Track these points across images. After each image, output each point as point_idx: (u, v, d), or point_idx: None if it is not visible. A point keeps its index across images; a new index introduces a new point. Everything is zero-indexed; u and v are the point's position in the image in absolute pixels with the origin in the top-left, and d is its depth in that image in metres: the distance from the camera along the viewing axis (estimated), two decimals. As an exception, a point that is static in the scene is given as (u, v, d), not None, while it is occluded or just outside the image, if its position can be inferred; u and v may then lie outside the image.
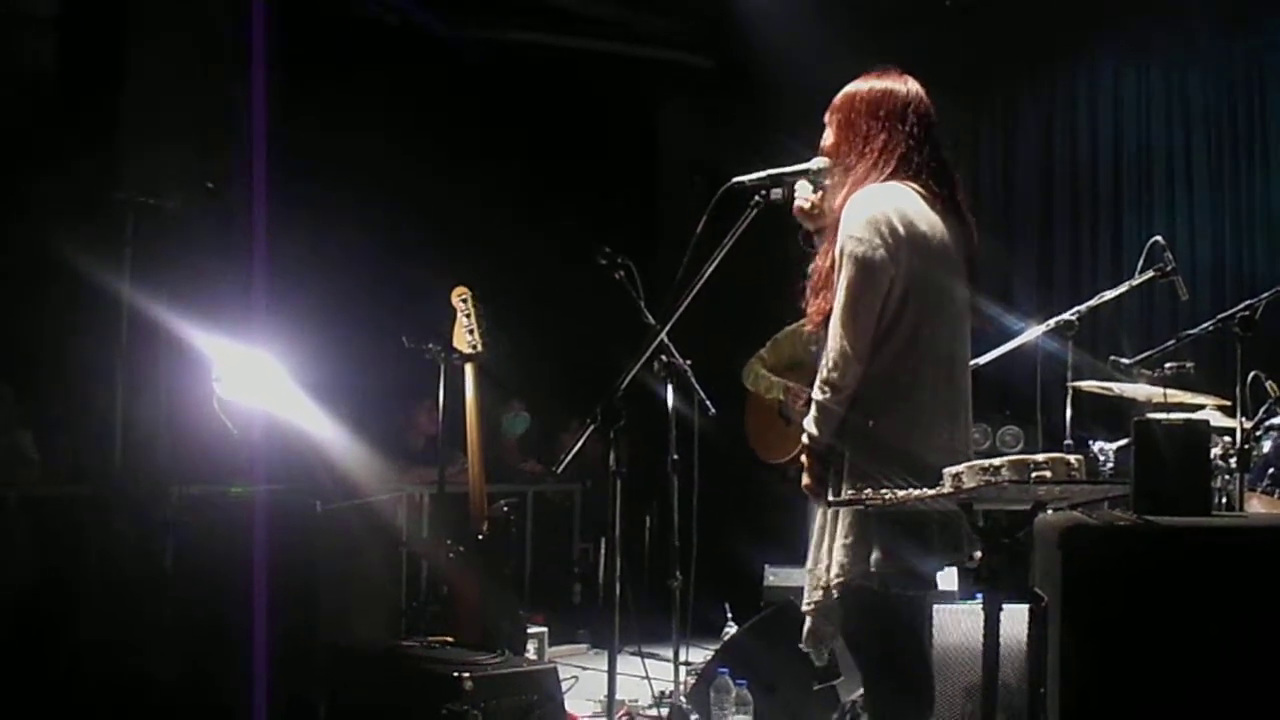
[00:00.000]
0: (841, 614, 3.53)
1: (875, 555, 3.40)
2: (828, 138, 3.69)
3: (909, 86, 3.64)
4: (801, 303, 3.69)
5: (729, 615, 6.32)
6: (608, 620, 4.08)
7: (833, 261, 3.54)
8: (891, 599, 3.45)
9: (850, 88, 3.68)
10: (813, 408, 3.53)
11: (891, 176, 3.54)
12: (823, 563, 3.52)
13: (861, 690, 5.03)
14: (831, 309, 3.50)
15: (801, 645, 3.65)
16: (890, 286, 3.45)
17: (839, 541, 3.47)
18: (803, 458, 3.60)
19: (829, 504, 3.48)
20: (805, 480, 3.59)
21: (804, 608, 3.59)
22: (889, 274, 3.44)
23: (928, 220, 3.52)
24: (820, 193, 3.72)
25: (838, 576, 3.46)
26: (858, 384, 3.46)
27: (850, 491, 3.34)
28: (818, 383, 3.52)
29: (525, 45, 9.59)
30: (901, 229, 3.45)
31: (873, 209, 3.47)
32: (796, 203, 3.74)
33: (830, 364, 3.47)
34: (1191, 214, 8.66)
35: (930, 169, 3.58)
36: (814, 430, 3.52)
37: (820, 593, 3.53)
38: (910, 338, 3.48)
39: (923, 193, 3.54)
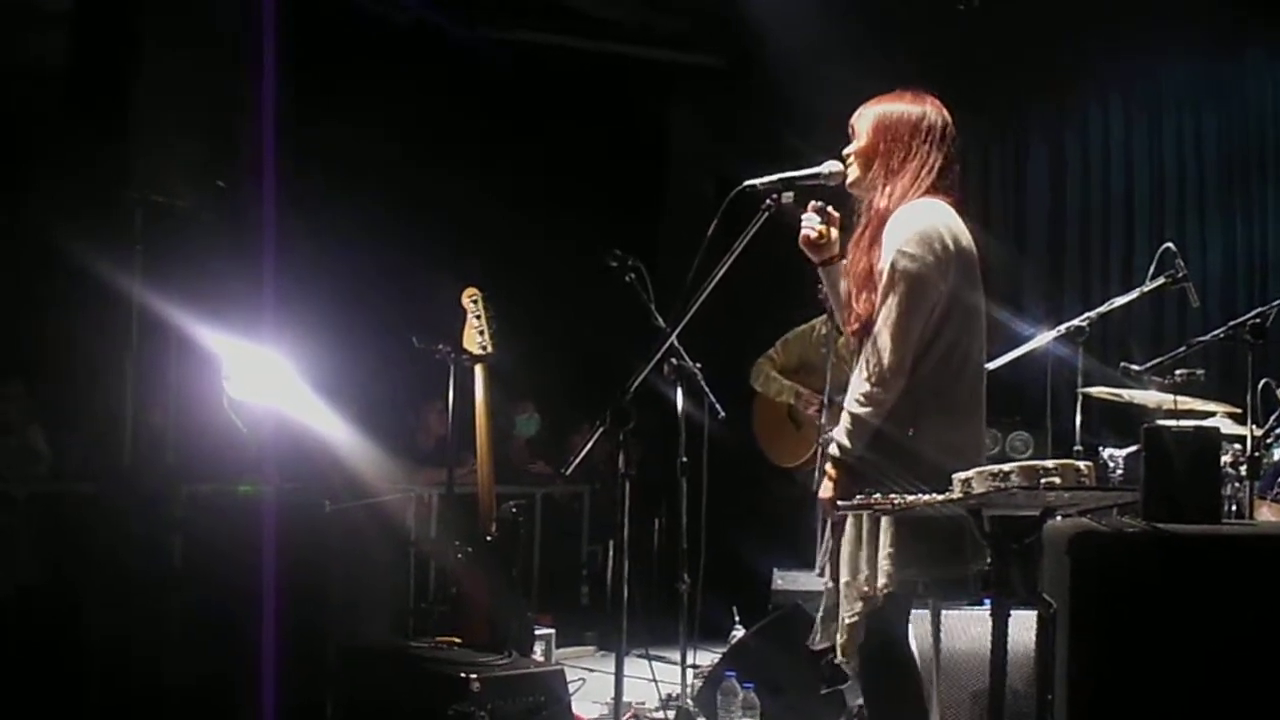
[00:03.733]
0: (875, 623, 3.54)
1: (917, 565, 3.43)
2: (862, 144, 3.70)
3: (945, 113, 3.70)
4: (845, 306, 3.68)
5: (736, 618, 6.31)
6: (615, 622, 4.09)
7: (871, 266, 3.56)
8: (907, 603, 3.48)
9: (887, 103, 3.72)
10: (845, 419, 3.53)
11: (929, 191, 3.58)
12: (863, 573, 3.51)
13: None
14: (873, 314, 3.52)
15: (837, 660, 3.65)
16: (937, 301, 3.48)
17: (883, 551, 3.46)
18: (829, 469, 3.59)
19: (837, 509, 3.47)
20: (829, 492, 3.56)
21: (846, 620, 3.57)
22: (939, 290, 3.48)
23: (966, 236, 3.58)
24: (827, 223, 3.74)
25: (885, 586, 3.46)
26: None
27: (859, 496, 3.34)
28: (855, 394, 3.52)
29: (536, 45, 9.59)
30: (951, 245, 3.50)
31: (924, 224, 3.50)
32: (804, 232, 3.75)
33: (874, 378, 3.48)
34: (1202, 221, 8.67)
35: (958, 185, 3.65)
36: (846, 442, 3.53)
37: (862, 603, 3.52)
38: (948, 351, 3.51)
39: (953, 206, 3.59)
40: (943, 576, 3.48)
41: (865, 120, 3.71)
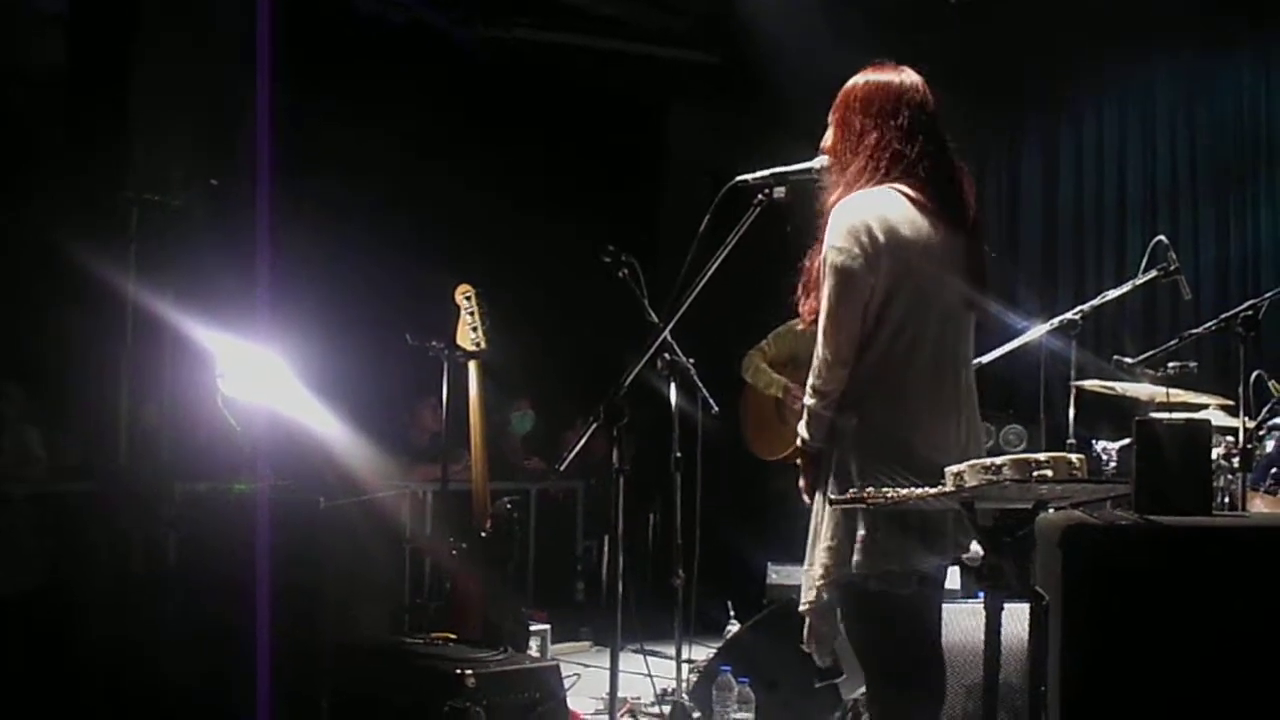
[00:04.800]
0: (838, 613, 3.56)
1: (856, 556, 3.43)
2: (828, 137, 3.71)
3: (903, 78, 3.63)
4: (795, 300, 3.72)
5: (731, 613, 6.32)
6: (610, 618, 4.09)
7: (817, 264, 3.59)
8: (884, 597, 3.46)
9: (848, 84, 3.69)
10: (804, 413, 3.58)
11: (885, 178, 3.55)
12: (814, 565, 3.54)
13: (863, 688, 5.06)
14: (819, 310, 3.54)
15: (803, 646, 3.68)
16: (871, 293, 3.49)
17: (823, 543, 3.51)
18: (798, 460, 3.65)
19: (831, 503, 3.49)
20: (801, 482, 3.65)
21: (800, 609, 3.62)
22: (869, 282, 3.48)
23: (911, 223, 3.52)
24: None
25: (821, 578, 3.51)
26: (845, 385, 3.51)
27: (851, 490, 3.35)
28: (807, 388, 3.57)
29: (532, 43, 9.60)
30: (881, 236, 3.47)
31: (852, 218, 3.49)
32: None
33: (815, 371, 3.53)
34: (1195, 216, 8.69)
35: (925, 164, 3.57)
36: (805, 434, 3.59)
37: (813, 593, 3.56)
38: (894, 337, 3.51)
39: (911, 194, 3.54)
40: (886, 569, 3.44)
41: (832, 111, 3.70)
